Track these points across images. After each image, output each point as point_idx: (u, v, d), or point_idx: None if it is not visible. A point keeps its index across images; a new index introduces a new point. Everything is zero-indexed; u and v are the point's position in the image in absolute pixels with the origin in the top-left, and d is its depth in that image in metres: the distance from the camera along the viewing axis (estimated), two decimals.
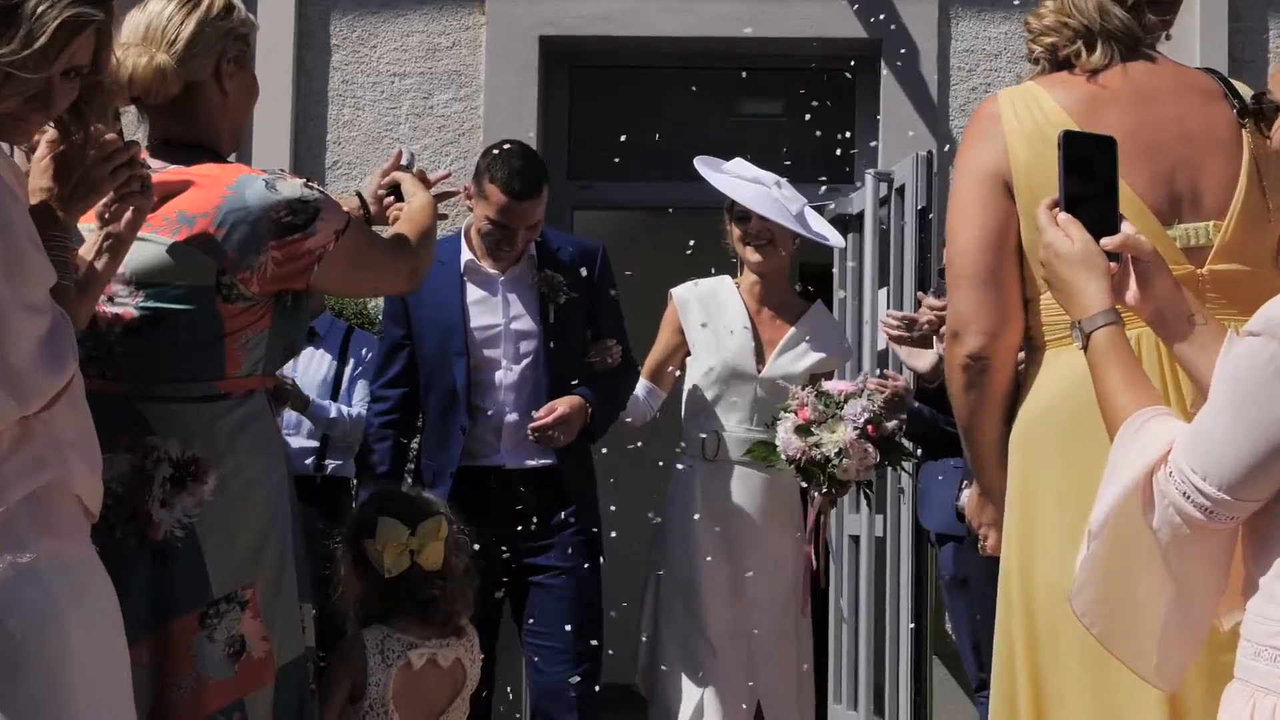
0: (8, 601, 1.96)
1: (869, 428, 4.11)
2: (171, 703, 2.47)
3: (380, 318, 5.82)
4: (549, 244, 4.20)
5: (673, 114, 6.86)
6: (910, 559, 5.33)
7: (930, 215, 5.40)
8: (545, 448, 4.04)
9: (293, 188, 2.58)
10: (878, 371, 5.10)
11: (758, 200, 4.33)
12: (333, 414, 5.40)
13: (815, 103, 5.93)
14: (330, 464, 5.55)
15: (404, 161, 3.13)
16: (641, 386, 4.45)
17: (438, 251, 4.11)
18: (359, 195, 3.08)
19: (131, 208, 2.31)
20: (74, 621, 2.02)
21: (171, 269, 2.52)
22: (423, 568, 3.13)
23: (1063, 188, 2.08)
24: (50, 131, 2.21)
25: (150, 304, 2.53)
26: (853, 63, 6.45)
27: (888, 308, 5.58)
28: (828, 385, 4.26)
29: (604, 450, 4.30)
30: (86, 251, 2.30)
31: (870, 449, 4.12)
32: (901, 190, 5.63)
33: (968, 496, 2.83)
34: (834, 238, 4.63)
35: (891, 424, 4.15)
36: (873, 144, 6.28)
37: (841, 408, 4.13)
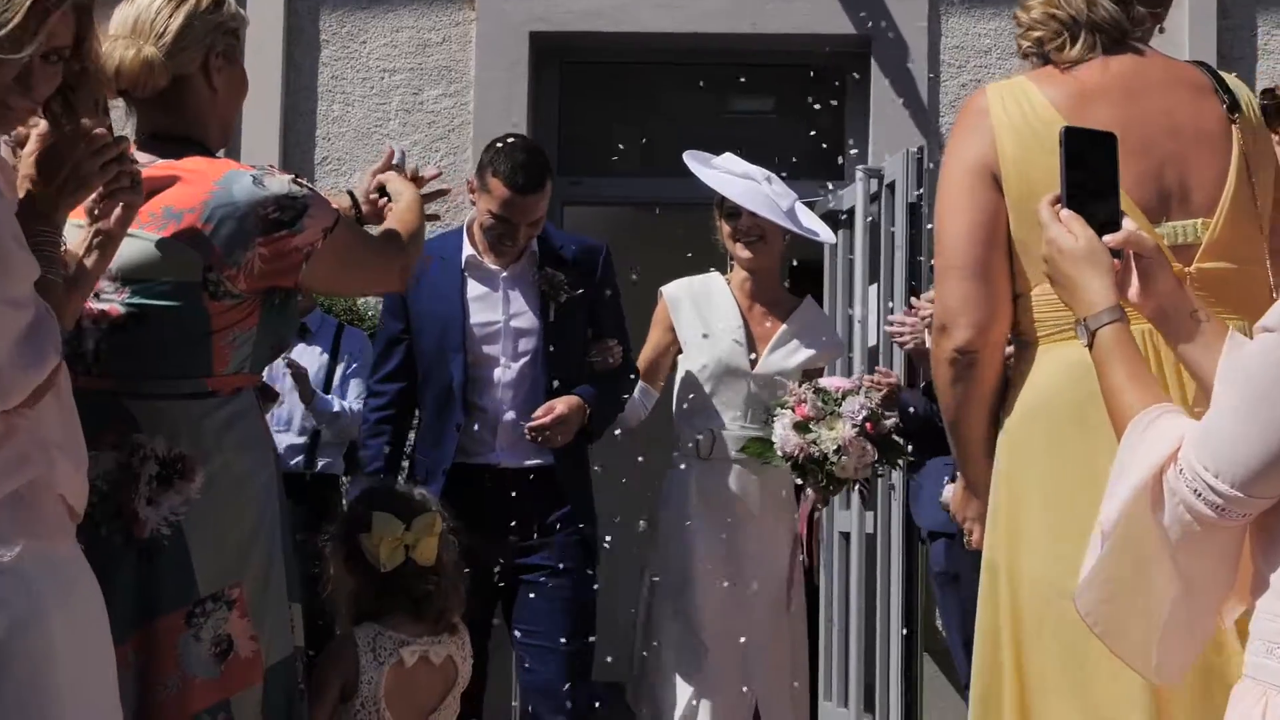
0: None
1: (867, 425, 4.08)
2: (157, 702, 2.44)
3: (370, 315, 5.84)
4: (551, 242, 4.16)
5: (663, 110, 6.85)
6: (901, 556, 5.33)
7: (922, 211, 5.40)
8: (542, 447, 4.00)
9: (280, 184, 2.56)
10: (870, 369, 5.09)
11: (748, 196, 4.31)
12: (336, 408, 5.41)
13: (806, 99, 5.93)
14: (321, 461, 5.54)
15: (395, 160, 3.12)
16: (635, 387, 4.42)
17: (439, 246, 4.12)
18: (350, 194, 3.07)
19: (122, 204, 2.29)
20: (58, 621, 2.00)
21: (158, 265, 2.50)
22: (416, 563, 3.13)
23: (1064, 183, 2.06)
24: (41, 124, 2.20)
25: (136, 300, 2.51)
26: (843, 59, 6.44)
27: (878, 304, 5.58)
28: (824, 382, 4.23)
29: (598, 466, 4.25)
30: (76, 248, 2.29)
31: (868, 447, 4.09)
32: (892, 186, 5.62)
33: (952, 491, 2.82)
34: (824, 233, 4.61)
35: (890, 421, 4.13)
36: (861, 140, 6.28)
37: (839, 405, 4.11)
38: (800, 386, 4.19)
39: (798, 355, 4.40)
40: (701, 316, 4.43)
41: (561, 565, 4.00)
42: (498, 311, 4.09)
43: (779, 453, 4.12)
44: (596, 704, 4.04)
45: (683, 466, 4.36)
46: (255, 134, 6.11)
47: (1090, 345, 1.97)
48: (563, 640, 3.96)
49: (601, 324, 4.18)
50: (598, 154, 6.51)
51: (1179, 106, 2.46)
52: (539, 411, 3.98)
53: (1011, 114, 2.46)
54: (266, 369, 2.93)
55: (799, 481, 4.25)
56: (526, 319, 4.08)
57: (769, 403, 4.24)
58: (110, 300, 2.51)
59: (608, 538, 4.25)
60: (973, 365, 2.49)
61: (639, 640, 4.35)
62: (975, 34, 6.38)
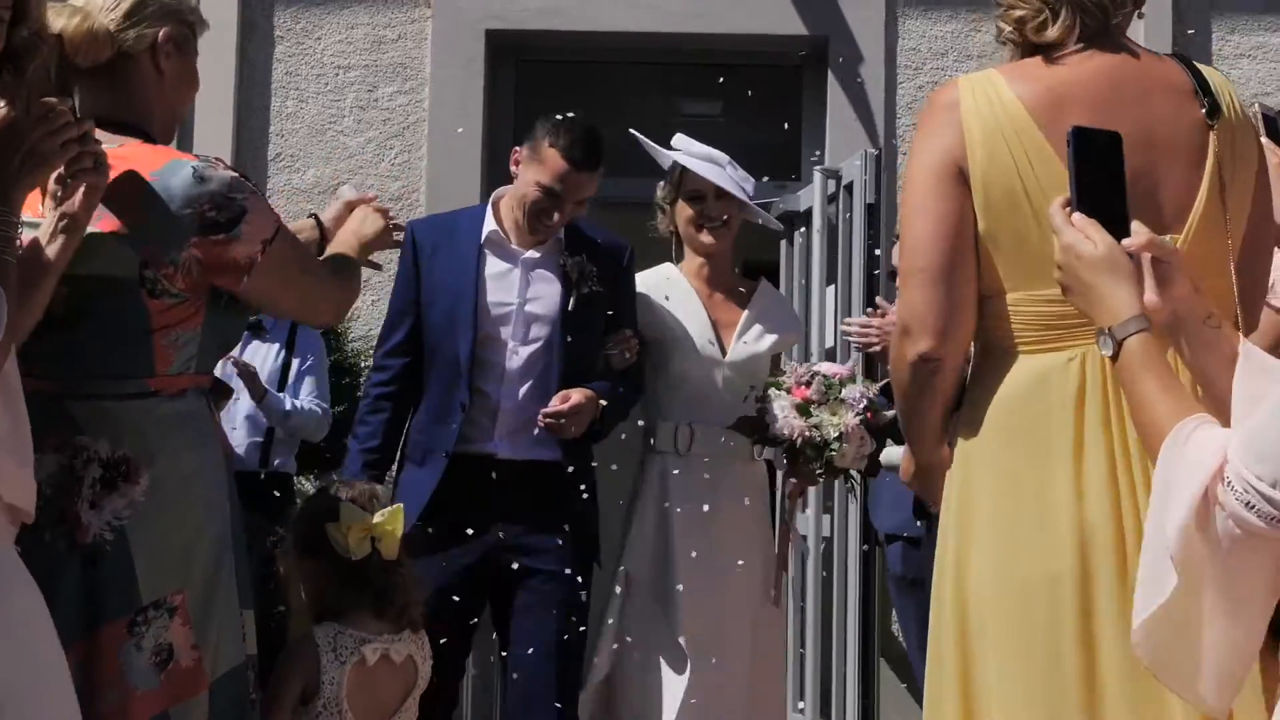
0: None
1: (868, 414, 4.00)
2: (99, 714, 2.36)
3: None
4: (581, 231, 4.01)
5: (620, 109, 6.81)
6: (858, 559, 5.31)
7: (879, 212, 5.39)
8: (548, 439, 3.83)
9: (222, 180, 2.48)
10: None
11: (723, 181, 4.20)
12: (288, 406, 5.34)
13: (763, 100, 5.91)
14: (276, 461, 5.48)
15: (350, 198, 3.15)
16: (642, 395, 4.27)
17: (456, 219, 4.05)
18: (315, 217, 3.05)
19: (85, 186, 2.23)
20: None
21: (92, 260, 2.40)
22: (381, 555, 3.13)
23: (1075, 186, 1.99)
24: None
25: (73, 298, 2.42)
26: (800, 60, 6.44)
27: (836, 305, 5.57)
28: (821, 366, 4.15)
29: (614, 466, 4.16)
30: (42, 235, 2.23)
31: (867, 436, 4.00)
32: (850, 187, 5.61)
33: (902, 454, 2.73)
34: (772, 222, 4.58)
35: (890, 412, 3.92)
36: (818, 141, 6.27)
37: (842, 391, 4.01)
38: (801, 367, 4.10)
39: (765, 340, 4.24)
40: (664, 309, 4.31)
41: (555, 566, 3.83)
42: (513, 293, 3.92)
43: (783, 431, 3.97)
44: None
45: (658, 461, 4.17)
46: (208, 130, 6.04)
47: (1115, 355, 1.91)
48: (554, 641, 3.79)
49: (622, 322, 4.03)
50: None
51: (1154, 116, 2.39)
52: (555, 399, 3.81)
53: (981, 106, 2.39)
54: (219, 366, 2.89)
55: (784, 460, 4.11)
56: (542, 305, 3.91)
57: (765, 381, 4.11)
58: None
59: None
60: (936, 372, 2.44)
61: (606, 639, 4.19)
62: (932, 36, 6.38)
